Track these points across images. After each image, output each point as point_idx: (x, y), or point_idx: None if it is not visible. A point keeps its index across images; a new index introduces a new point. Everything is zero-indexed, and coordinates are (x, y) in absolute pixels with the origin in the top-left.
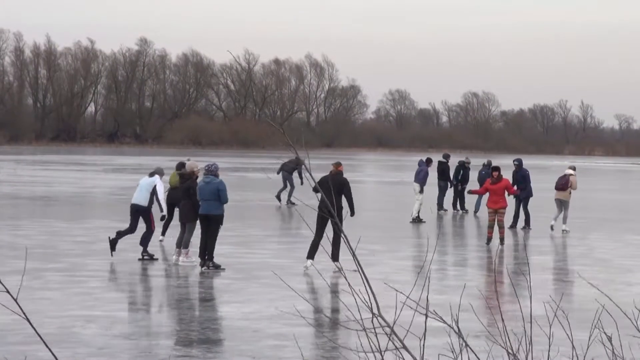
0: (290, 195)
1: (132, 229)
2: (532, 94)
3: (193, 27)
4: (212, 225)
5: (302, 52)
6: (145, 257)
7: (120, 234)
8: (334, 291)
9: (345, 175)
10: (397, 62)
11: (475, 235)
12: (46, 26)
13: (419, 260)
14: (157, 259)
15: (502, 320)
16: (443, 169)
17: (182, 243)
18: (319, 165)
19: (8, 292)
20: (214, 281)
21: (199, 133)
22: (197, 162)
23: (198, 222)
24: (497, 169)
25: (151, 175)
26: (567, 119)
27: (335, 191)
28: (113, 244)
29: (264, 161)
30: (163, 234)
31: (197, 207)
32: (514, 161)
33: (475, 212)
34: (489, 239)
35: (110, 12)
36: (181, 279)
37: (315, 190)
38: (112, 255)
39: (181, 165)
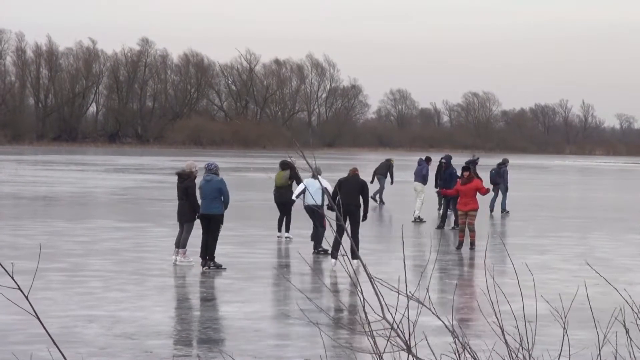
0: (380, 194)
1: (319, 228)
2: (533, 93)
3: (194, 27)
4: (212, 225)
5: (303, 52)
6: (321, 252)
7: (315, 238)
8: (335, 291)
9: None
10: (398, 62)
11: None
12: (48, 26)
13: (420, 259)
14: (329, 252)
15: (500, 320)
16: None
17: (180, 243)
18: (321, 164)
19: (20, 290)
20: (215, 281)
21: (200, 133)
22: (196, 162)
23: (196, 222)
24: (467, 169)
25: (315, 177)
26: (568, 118)
27: (356, 191)
28: (332, 253)
29: (265, 161)
30: (279, 230)
31: (195, 207)
32: (441, 159)
33: (503, 210)
34: (460, 244)
35: (111, 12)
36: (182, 279)
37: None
38: (334, 264)
39: (285, 165)
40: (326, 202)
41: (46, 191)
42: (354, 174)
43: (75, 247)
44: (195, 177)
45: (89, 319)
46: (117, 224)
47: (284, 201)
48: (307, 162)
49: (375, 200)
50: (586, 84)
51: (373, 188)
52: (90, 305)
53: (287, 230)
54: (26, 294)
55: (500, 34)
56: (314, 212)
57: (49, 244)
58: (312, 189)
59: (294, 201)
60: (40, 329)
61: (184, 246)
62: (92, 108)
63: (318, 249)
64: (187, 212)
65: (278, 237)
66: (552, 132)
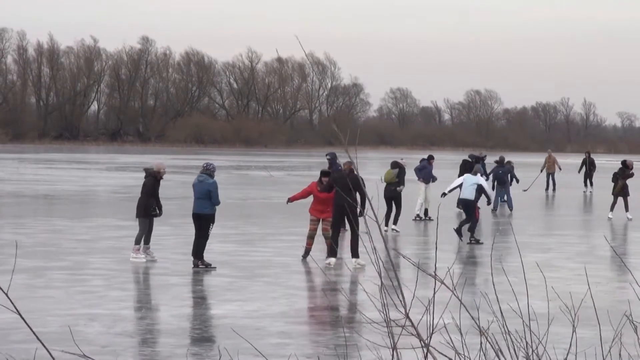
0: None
1: (471, 220)
2: (535, 91)
3: (195, 25)
4: (203, 224)
5: (304, 50)
6: (473, 242)
7: (463, 225)
8: (335, 289)
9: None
10: (400, 60)
11: (481, 233)
12: (49, 25)
13: (422, 257)
14: (482, 243)
15: (502, 318)
16: (468, 168)
17: (135, 239)
18: (323, 163)
19: (3, 291)
20: (216, 279)
21: (201, 131)
22: (165, 163)
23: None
24: (327, 174)
25: (474, 173)
26: (570, 116)
27: (352, 187)
28: (458, 232)
29: (267, 159)
30: (386, 224)
31: (146, 205)
32: (326, 155)
33: (494, 209)
34: (308, 251)
35: (113, 10)
36: (184, 277)
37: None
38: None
39: (395, 164)
40: (481, 196)
41: (48, 189)
42: (349, 169)
43: (76, 246)
44: (161, 178)
45: (90, 318)
46: (118, 222)
47: (391, 196)
48: (350, 158)
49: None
50: (588, 82)
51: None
52: (91, 304)
53: (395, 223)
54: (6, 292)
55: (502, 32)
56: (467, 205)
57: (51, 243)
58: (468, 183)
59: (399, 194)
60: (42, 327)
61: (137, 242)
62: (94, 106)
63: (471, 239)
64: (138, 208)
65: (385, 231)
66: (554, 131)
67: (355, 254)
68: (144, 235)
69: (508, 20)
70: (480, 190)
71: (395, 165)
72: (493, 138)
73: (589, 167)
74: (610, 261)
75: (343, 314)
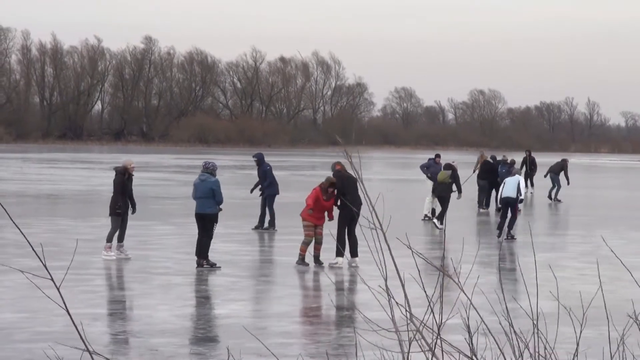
0: (557, 193)
1: (510, 216)
2: (539, 91)
3: (199, 25)
4: (206, 224)
5: (308, 50)
6: (509, 238)
7: (508, 224)
8: (339, 289)
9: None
10: (404, 60)
11: (486, 232)
12: (53, 24)
13: (431, 258)
14: (516, 239)
15: (510, 317)
16: (488, 169)
17: (106, 237)
18: (326, 162)
19: (53, 282)
20: (219, 279)
21: (205, 131)
22: (133, 160)
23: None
24: (334, 184)
25: (513, 175)
26: (574, 116)
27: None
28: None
29: (271, 159)
30: (440, 222)
31: (116, 203)
32: (253, 156)
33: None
34: (303, 258)
35: (116, 10)
36: (187, 277)
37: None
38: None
39: (449, 166)
40: (521, 195)
41: (51, 189)
42: (342, 169)
43: (80, 245)
44: (131, 174)
45: (93, 317)
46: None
47: (443, 194)
48: (350, 162)
49: (550, 199)
50: (592, 81)
51: (545, 185)
52: (94, 304)
53: (439, 219)
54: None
55: (506, 31)
56: (509, 203)
57: (54, 242)
58: (509, 184)
59: (449, 193)
60: (45, 327)
61: (108, 240)
62: (97, 106)
63: (508, 236)
64: (110, 206)
65: (439, 228)
66: (558, 130)
67: (354, 253)
68: (117, 233)
69: (513, 20)
70: (518, 190)
71: (448, 167)
72: (497, 138)
73: (529, 167)
74: (614, 260)
75: (346, 314)
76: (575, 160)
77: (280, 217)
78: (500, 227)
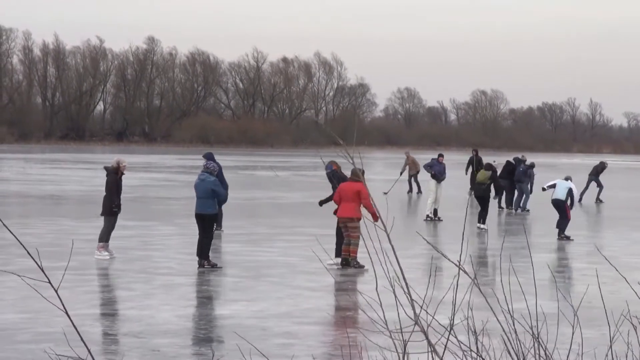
0: (598, 194)
1: (560, 218)
2: (541, 92)
3: (201, 25)
4: (206, 224)
5: (310, 50)
6: (564, 238)
7: (559, 225)
8: (342, 289)
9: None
10: (406, 60)
11: (491, 231)
12: (55, 25)
13: (430, 258)
14: (572, 240)
15: (512, 317)
16: (510, 169)
17: (99, 237)
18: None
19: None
20: (222, 279)
21: (207, 131)
22: (124, 158)
23: (116, 217)
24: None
25: (566, 179)
26: (576, 117)
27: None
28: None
29: (273, 159)
30: (480, 222)
31: (112, 202)
32: (203, 156)
33: (523, 209)
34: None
35: (118, 10)
36: (189, 277)
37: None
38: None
39: (489, 166)
40: (574, 199)
41: (53, 190)
42: (338, 169)
43: (82, 246)
44: (121, 173)
45: (95, 318)
46: (124, 222)
47: (482, 195)
48: (352, 163)
49: (597, 201)
50: (594, 82)
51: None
52: (97, 304)
53: (480, 221)
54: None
55: (508, 32)
56: (559, 205)
57: (56, 243)
58: (560, 187)
59: (488, 194)
60: (47, 327)
61: (100, 240)
62: (100, 106)
63: (561, 236)
64: (104, 205)
65: (480, 228)
66: (560, 131)
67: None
68: (103, 232)
69: (515, 20)
70: (570, 193)
71: (488, 167)
72: (499, 138)
73: (475, 167)
74: (617, 261)
75: (349, 314)
76: (578, 160)
77: (281, 217)
78: (557, 225)
